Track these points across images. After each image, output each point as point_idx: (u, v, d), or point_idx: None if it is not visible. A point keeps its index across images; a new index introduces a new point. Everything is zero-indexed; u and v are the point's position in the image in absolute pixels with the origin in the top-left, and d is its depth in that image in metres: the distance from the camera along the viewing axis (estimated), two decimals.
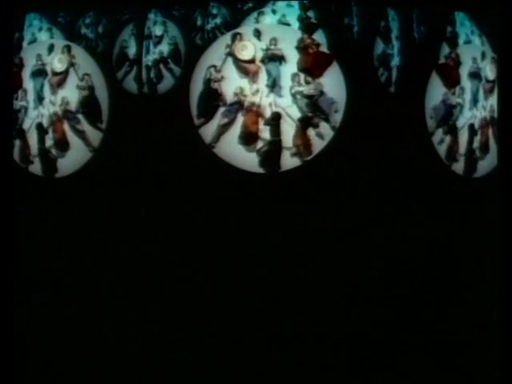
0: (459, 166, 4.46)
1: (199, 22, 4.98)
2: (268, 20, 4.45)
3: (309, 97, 4.12)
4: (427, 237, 4.27)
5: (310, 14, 4.24)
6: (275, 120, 4.10)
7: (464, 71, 4.46)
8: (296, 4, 4.39)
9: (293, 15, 4.37)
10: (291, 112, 4.14)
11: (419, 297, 4.16)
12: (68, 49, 4.50)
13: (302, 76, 4.14)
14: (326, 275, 4.16)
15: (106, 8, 4.65)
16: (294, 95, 4.14)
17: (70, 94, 4.45)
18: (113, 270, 4.33)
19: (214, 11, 4.99)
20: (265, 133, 4.13)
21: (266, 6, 4.50)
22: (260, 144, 4.12)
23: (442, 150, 4.36)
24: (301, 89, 4.12)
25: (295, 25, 4.26)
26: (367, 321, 4.11)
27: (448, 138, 4.42)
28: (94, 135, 4.40)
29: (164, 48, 4.94)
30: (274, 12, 4.48)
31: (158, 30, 4.90)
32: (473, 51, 4.44)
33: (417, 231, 4.26)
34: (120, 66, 4.81)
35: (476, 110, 4.44)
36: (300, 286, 4.16)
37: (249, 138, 4.12)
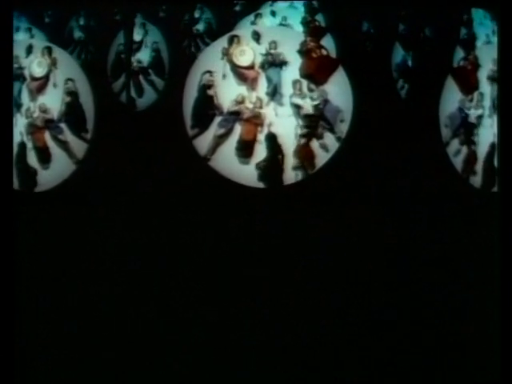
0: (477, 180, 4.21)
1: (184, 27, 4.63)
2: (267, 23, 4.22)
3: (312, 105, 3.93)
4: (440, 257, 4.07)
5: (319, 17, 3.97)
6: (273, 138, 3.92)
7: (483, 75, 4.18)
8: (300, 5, 4.16)
9: (295, 18, 4.17)
10: (293, 122, 3.96)
11: (432, 318, 4.03)
12: (48, 51, 4.17)
13: (304, 83, 3.96)
14: (332, 293, 4.06)
15: (98, 8, 4.28)
16: (296, 103, 3.94)
17: (52, 100, 4.14)
18: (99, 287, 4.18)
19: (196, 15, 4.65)
20: (264, 144, 3.94)
21: (264, 8, 4.32)
22: (259, 156, 3.95)
23: (458, 161, 4.14)
24: (303, 97, 3.92)
25: (298, 29, 4.02)
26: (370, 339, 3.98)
27: (465, 149, 4.18)
28: (78, 146, 4.14)
29: (144, 56, 4.55)
30: (273, 14, 4.32)
31: (136, 35, 4.51)
32: (493, 52, 4.10)
33: (429, 251, 4.07)
34: (117, 76, 4.48)
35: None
36: (303, 304, 4.05)
37: (247, 150, 3.95)
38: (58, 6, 4.38)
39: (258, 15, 4.28)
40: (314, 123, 3.92)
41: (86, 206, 4.16)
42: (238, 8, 4.44)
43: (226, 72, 3.93)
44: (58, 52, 4.18)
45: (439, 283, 4.06)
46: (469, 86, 4.11)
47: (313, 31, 3.94)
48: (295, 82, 3.91)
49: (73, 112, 4.11)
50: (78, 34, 4.49)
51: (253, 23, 4.22)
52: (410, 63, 4.13)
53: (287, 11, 4.27)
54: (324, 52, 3.93)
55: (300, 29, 4.00)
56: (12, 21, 3.73)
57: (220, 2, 4.47)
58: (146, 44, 4.54)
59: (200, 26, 4.62)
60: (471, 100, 4.16)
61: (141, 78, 4.51)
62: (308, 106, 3.91)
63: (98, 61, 4.29)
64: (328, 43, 4.00)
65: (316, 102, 3.90)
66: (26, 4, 4.32)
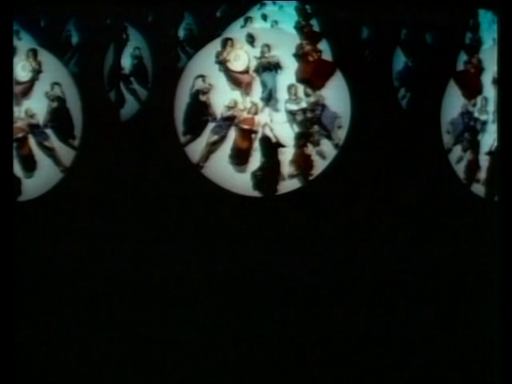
0: (480, 188, 4.10)
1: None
2: (258, 27, 4.08)
3: (309, 111, 3.86)
4: (443, 266, 3.99)
5: (313, 21, 3.88)
6: (268, 143, 3.84)
7: (487, 79, 4.06)
8: (291, 9, 4.06)
9: (289, 22, 4.06)
10: (289, 128, 3.88)
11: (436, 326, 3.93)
12: (34, 53, 4.03)
13: (300, 87, 3.87)
14: (329, 303, 3.97)
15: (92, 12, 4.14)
16: (291, 110, 3.86)
17: (37, 105, 4.00)
18: (86, 301, 4.02)
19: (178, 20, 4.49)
20: (260, 152, 3.86)
21: (254, 11, 4.19)
22: (254, 164, 3.89)
23: (460, 169, 4.05)
24: (299, 102, 3.83)
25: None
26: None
27: (468, 156, 4.09)
28: (65, 153, 4.04)
29: (125, 62, 4.41)
30: (264, 18, 4.18)
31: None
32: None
33: (430, 261, 3.98)
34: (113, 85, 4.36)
35: None
36: (298, 316, 3.93)
37: (242, 157, 3.89)
38: (53, 10, 4.22)
39: (248, 19, 4.16)
40: (311, 130, 3.85)
41: (74, 216, 4.05)
42: (219, 13, 4.27)
43: (219, 76, 3.85)
44: (44, 55, 4.05)
45: (439, 292, 3.99)
46: (472, 90, 4.01)
47: (307, 36, 3.87)
48: (290, 87, 3.82)
49: (59, 118, 4.01)
50: (72, 39, 4.33)
51: (243, 27, 4.10)
52: (411, 70, 4.01)
53: (279, 15, 4.15)
54: (321, 55, 3.86)
55: (293, 33, 3.94)
56: (12, 21, 3.60)
57: (203, 7, 4.30)
58: (128, 49, 4.38)
59: (180, 33, 4.44)
60: (474, 105, 4.06)
61: (122, 85, 4.35)
62: (305, 111, 3.83)
63: (88, 65, 4.14)
64: (325, 46, 3.92)
65: (313, 108, 3.82)
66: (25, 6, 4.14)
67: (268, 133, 3.83)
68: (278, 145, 3.84)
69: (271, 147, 3.83)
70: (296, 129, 3.84)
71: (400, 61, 4.07)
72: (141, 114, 4.16)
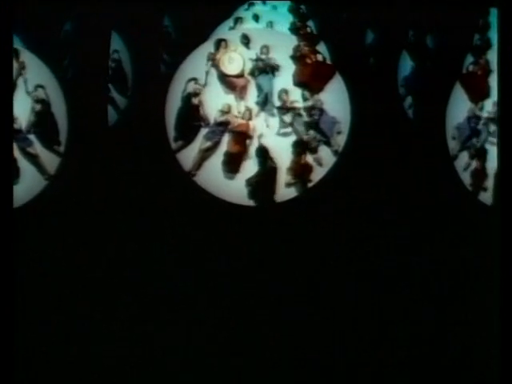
0: (488, 197, 3.96)
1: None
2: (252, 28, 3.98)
3: (307, 116, 3.76)
4: (447, 280, 3.91)
5: (310, 22, 3.80)
6: (264, 152, 3.76)
7: (495, 81, 3.90)
8: (285, 9, 3.97)
9: (283, 23, 3.96)
10: (285, 134, 3.79)
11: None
12: (15, 54, 3.86)
13: (294, 91, 3.76)
14: (328, 315, 3.91)
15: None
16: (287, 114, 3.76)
17: (19, 109, 3.82)
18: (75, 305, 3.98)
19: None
20: (255, 159, 3.76)
21: (245, 11, 4.08)
22: (249, 172, 3.78)
23: (466, 176, 3.94)
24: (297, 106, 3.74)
25: None
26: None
27: (475, 163, 3.95)
28: (50, 160, 3.90)
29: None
30: (256, 18, 4.06)
31: None
32: None
33: (435, 273, 3.90)
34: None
35: None
36: (297, 325, 3.89)
37: (236, 164, 3.78)
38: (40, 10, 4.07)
39: (238, 20, 4.04)
40: (309, 136, 3.75)
41: (58, 226, 3.93)
42: (204, 15, 4.11)
43: (212, 80, 3.76)
44: (27, 56, 3.89)
45: (444, 301, 3.93)
46: (479, 93, 3.89)
47: (304, 38, 3.77)
48: (289, 91, 3.73)
49: (44, 122, 3.86)
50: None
51: (232, 29, 3.98)
52: (418, 74, 3.88)
53: (272, 15, 4.03)
54: (319, 57, 3.76)
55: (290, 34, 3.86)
56: (12, 22, 3.41)
57: (185, 8, 4.13)
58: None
59: (162, 36, 4.28)
60: (481, 108, 3.93)
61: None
62: (302, 116, 3.74)
63: (75, 68, 4.02)
64: (323, 47, 3.83)
65: (311, 112, 3.73)
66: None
67: (263, 139, 3.73)
68: (274, 151, 3.74)
69: (267, 154, 3.73)
70: (293, 135, 3.73)
71: (406, 65, 3.94)
72: (129, 119, 4.03)
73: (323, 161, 3.74)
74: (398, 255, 3.87)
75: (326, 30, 3.79)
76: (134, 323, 3.89)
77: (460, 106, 3.89)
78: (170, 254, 3.89)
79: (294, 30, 3.89)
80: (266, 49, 3.74)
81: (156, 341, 3.85)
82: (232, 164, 3.76)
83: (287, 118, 3.73)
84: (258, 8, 4.06)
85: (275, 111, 3.73)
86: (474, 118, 3.91)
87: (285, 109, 3.72)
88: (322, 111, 3.74)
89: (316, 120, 3.74)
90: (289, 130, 3.74)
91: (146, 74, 4.13)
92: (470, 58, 3.85)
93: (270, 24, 3.96)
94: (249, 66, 3.74)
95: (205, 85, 3.73)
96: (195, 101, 3.74)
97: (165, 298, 3.91)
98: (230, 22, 4.04)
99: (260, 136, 3.73)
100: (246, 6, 4.10)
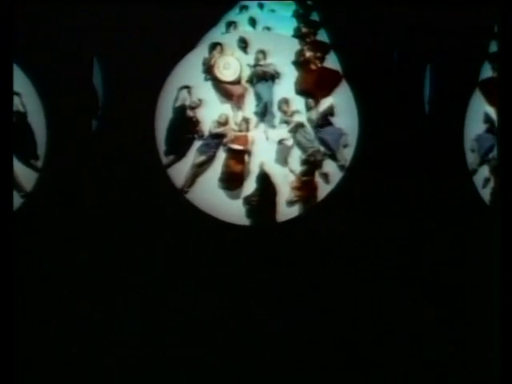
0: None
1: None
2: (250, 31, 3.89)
3: (310, 127, 3.60)
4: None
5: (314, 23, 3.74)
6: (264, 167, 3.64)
7: None
8: (285, 12, 3.88)
9: (285, 28, 3.84)
10: (287, 147, 3.61)
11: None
12: None
13: (301, 100, 3.61)
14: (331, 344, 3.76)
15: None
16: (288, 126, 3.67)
17: None
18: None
19: None
20: (254, 175, 3.61)
21: (238, 14, 3.95)
22: (247, 189, 3.64)
23: (486, 192, 3.78)
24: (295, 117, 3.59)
25: None
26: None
27: (496, 178, 3.84)
28: (27, 175, 3.75)
29: None
30: (252, 22, 3.92)
31: None
32: None
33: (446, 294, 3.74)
34: None
35: None
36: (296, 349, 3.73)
37: (233, 181, 3.66)
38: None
39: (231, 24, 3.93)
40: (313, 149, 3.61)
41: (35, 246, 3.80)
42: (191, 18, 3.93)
43: (206, 87, 3.61)
44: None
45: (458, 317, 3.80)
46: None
47: (311, 47, 3.67)
48: (291, 100, 3.60)
49: (19, 134, 3.70)
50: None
51: (224, 34, 3.90)
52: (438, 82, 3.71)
53: (271, 19, 3.94)
54: (325, 63, 3.61)
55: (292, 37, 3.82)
56: (12, 22, 3.24)
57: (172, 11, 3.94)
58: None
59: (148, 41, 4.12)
60: None
61: None
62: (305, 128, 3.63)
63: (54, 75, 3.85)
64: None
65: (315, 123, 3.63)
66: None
67: (263, 152, 3.58)
68: (275, 167, 3.61)
69: (266, 170, 3.58)
70: (296, 149, 3.59)
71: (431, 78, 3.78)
72: (115, 131, 3.83)
73: (329, 176, 3.61)
74: (409, 275, 3.74)
75: (337, 38, 3.68)
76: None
77: (479, 116, 3.76)
78: (160, 276, 3.81)
79: (299, 36, 3.74)
80: (264, 53, 3.60)
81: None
82: (229, 180, 3.65)
83: (289, 129, 3.59)
84: (254, 11, 3.91)
85: (275, 122, 3.60)
86: (494, 129, 3.77)
87: (286, 119, 3.60)
88: (327, 122, 3.58)
89: (321, 131, 3.58)
90: (290, 142, 3.58)
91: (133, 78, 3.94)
92: (488, 65, 3.71)
93: (268, 29, 3.83)
94: (246, 72, 3.62)
95: (198, 93, 3.59)
96: (188, 111, 3.65)
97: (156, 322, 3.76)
98: (221, 27, 3.88)
99: (259, 149, 3.58)
100: (237, 10, 3.95)
